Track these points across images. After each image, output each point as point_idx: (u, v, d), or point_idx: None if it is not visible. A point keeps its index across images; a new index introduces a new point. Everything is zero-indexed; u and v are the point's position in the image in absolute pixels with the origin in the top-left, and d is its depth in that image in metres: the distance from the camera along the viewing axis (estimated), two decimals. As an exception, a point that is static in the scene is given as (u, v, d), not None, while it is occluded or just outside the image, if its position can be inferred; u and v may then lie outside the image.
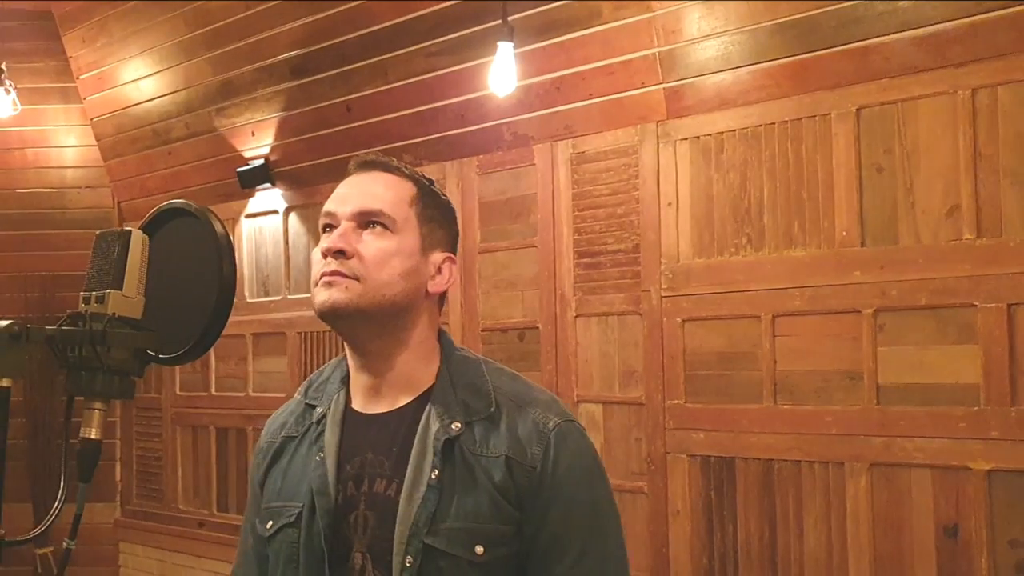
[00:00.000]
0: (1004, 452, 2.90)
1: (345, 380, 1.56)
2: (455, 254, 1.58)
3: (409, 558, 1.39)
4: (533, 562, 1.42)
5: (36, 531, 1.38)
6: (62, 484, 1.32)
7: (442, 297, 1.58)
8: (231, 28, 4.93)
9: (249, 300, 5.39)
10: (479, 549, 1.39)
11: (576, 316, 3.95)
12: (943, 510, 3.02)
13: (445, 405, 1.46)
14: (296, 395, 1.62)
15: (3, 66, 5.35)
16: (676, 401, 3.63)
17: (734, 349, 3.49)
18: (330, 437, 1.51)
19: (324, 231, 1.50)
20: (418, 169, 4.79)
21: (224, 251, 1.40)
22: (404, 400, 1.50)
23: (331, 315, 1.44)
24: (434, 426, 1.44)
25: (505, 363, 1.69)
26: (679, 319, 3.62)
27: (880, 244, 3.18)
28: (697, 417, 3.57)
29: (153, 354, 1.41)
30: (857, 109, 3.24)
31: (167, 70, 5.38)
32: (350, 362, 1.54)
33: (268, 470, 1.59)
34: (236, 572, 1.59)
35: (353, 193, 1.52)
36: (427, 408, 1.47)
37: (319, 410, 1.55)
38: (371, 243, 1.46)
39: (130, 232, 1.35)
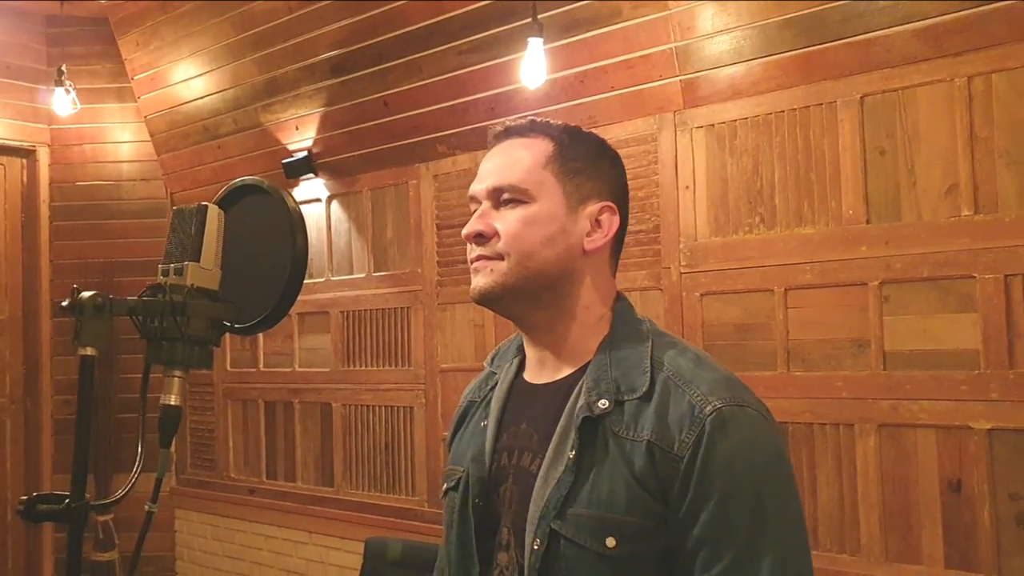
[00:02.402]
0: (1003, 412, 2.92)
1: (521, 348, 1.42)
2: (618, 199, 1.36)
3: (537, 541, 1.21)
4: (679, 565, 1.18)
5: (119, 494, 1.38)
6: (140, 450, 1.32)
7: (614, 250, 1.38)
8: (275, 30, 4.96)
9: (295, 282, 5.40)
10: (610, 542, 1.17)
11: (600, 293, 3.95)
12: (947, 467, 3.04)
13: (596, 380, 1.26)
14: (485, 363, 1.50)
15: (63, 68, 5.40)
16: (694, 370, 3.63)
17: (749, 320, 3.50)
18: (495, 405, 1.38)
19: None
20: (451, 159, 4.78)
21: (297, 225, 1.38)
22: (566, 372, 1.32)
23: (483, 301, 1.32)
24: (580, 402, 1.24)
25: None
26: (698, 293, 3.64)
27: (884, 221, 3.19)
28: (714, 385, 3.57)
29: (229, 324, 1.38)
30: (861, 97, 3.24)
31: (216, 70, 5.42)
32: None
33: (454, 434, 1.49)
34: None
35: (488, 169, 1.37)
36: (580, 382, 1.28)
37: (496, 377, 1.43)
38: (508, 217, 1.31)
39: (207, 207, 1.33)
